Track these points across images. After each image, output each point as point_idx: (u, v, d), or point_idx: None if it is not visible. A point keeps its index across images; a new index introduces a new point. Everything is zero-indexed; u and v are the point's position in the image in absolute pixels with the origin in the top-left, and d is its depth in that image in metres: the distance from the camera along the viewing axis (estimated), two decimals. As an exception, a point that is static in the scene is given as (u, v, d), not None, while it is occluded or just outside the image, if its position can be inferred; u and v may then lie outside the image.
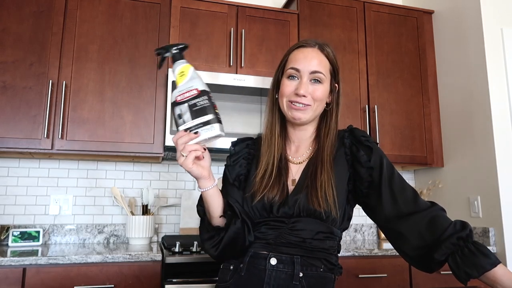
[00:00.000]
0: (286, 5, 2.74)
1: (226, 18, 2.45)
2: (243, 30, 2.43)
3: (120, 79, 2.25)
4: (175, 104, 1.02)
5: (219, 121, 1.00)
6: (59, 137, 2.11)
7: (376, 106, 2.57)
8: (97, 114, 2.19)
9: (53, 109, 2.13)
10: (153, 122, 2.25)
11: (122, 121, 2.22)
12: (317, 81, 1.11)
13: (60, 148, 2.11)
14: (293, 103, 1.10)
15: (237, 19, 2.46)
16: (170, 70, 2.23)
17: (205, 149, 1.03)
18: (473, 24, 2.48)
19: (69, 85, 2.18)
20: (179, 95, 1.01)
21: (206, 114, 0.99)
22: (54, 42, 2.19)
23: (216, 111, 1.00)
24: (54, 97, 2.14)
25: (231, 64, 2.39)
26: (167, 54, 1.08)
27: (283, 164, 1.13)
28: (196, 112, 0.99)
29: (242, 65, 2.41)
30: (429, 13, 2.84)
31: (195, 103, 0.99)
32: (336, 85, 1.17)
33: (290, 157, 1.16)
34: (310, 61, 1.11)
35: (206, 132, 0.99)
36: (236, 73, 2.38)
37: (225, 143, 2.15)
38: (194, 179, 2.58)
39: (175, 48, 1.07)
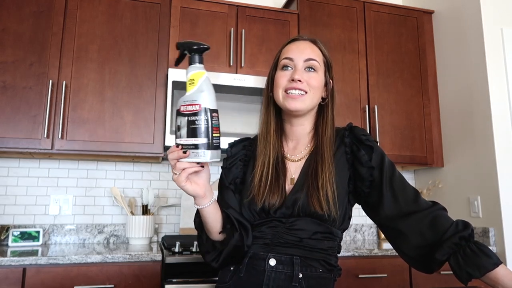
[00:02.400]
0: (286, 5, 2.74)
1: (226, 18, 2.45)
2: (243, 30, 2.43)
3: (120, 79, 2.25)
4: (178, 113, 0.94)
5: (214, 147, 0.91)
6: (59, 137, 2.11)
7: (376, 106, 2.57)
8: (97, 114, 2.19)
9: (53, 109, 2.13)
10: (153, 122, 2.25)
11: (122, 121, 2.21)
12: (312, 69, 1.10)
13: (60, 148, 2.11)
14: (288, 91, 1.08)
15: (237, 19, 2.46)
16: (170, 70, 2.23)
17: (202, 167, 0.97)
18: (473, 24, 2.48)
19: (69, 85, 2.17)
20: (183, 105, 0.93)
21: (200, 137, 0.90)
22: (54, 42, 2.18)
23: (214, 134, 0.91)
24: (54, 97, 2.14)
25: (231, 64, 2.39)
26: (186, 52, 0.97)
27: (280, 163, 1.11)
28: (192, 131, 0.91)
29: (242, 65, 2.41)
30: (429, 13, 2.84)
31: (193, 120, 0.91)
32: (331, 80, 1.16)
33: (288, 155, 1.14)
34: (304, 50, 1.11)
35: (195, 156, 0.91)
36: (236, 73, 2.38)
37: (223, 144, 2.14)
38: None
39: (195, 47, 0.95)
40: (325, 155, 1.07)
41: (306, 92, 1.08)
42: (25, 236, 2.21)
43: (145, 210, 2.35)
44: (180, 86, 2.22)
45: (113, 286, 1.80)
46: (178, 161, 0.93)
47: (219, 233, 1.08)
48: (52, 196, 2.39)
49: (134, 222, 2.23)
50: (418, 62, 2.74)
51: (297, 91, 1.07)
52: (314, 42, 1.15)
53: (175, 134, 0.95)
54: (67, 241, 2.36)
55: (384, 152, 1.11)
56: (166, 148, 2.22)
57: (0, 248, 2.04)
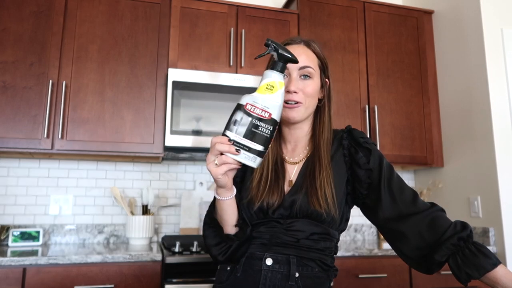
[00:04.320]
0: (286, 5, 2.74)
1: (226, 18, 2.45)
2: (243, 30, 2.43)
3: (120, 79, 2.25)
4: (241, 108, 0.92)
5: (263, 156, 0.92)
6: (59, 137, 2.11)
7: (376, 106, 2.57)
8: (97, 114, 2.19)
9: (53, 109, 2.13)
10: (153, 122, 2.25)
11: (122, 121, 2.22)
12: (307, 76, 1.10)
13: (60, 148, 2.11)
14: (285, 101, 1.08)
15: (237, 19, 2.46)
16: (170, 70, 2.23)
17: (241, 165, 0.95)
18: (473, 24, 2.48)
19: (69, 85, 2.17)
20: (251, 105, 0.91)
21: (259, 143, 0.90)
22: (54, 42, 2.19)
23: (269, 145, 0.93)
24: (54, 97, 2.14)
25: (231, 64, 2.39)
26: (274, 55, 0.95)
27: (279, 166, 1.11)
28: (253, 134, 0.90)
29: (242, 65, 2.41)
30: (429, 13, 2.84)
31: (258, 125, 0.90)
32: (327, 80, 1.16)
33: (286, 158, 1.15)
34: (298, 57, 1.09)
35: (245, 158, 0.90)
36: (236, 73, 2.38)
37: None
38: (194, 180, 2.60)
39: (285, 55, 0.94)
40: (322, 157, 1.08)
41: (302, 102, 1.09)
42: (25, 236, 2.21)
43: (145, 210, 2.35)
44: (180, 86, 2.22)
45: (113, 286, 1.81)
46: (223, 154, 0.91)
47: (235, 226, 1.08)
48: (52, 196, 2.39)
49: (134, 222, 2.23)
50: (418, 62, 2.74)
51: (293, 101, 1.08)
52: (307, 44, 1.14)
53: (227, 125, 0.92)
54: (67, 241, 2.36)
55: (382, 155, 1.11)
56: (166, 148, 2.22)
57: (0, 248, 2.04)
